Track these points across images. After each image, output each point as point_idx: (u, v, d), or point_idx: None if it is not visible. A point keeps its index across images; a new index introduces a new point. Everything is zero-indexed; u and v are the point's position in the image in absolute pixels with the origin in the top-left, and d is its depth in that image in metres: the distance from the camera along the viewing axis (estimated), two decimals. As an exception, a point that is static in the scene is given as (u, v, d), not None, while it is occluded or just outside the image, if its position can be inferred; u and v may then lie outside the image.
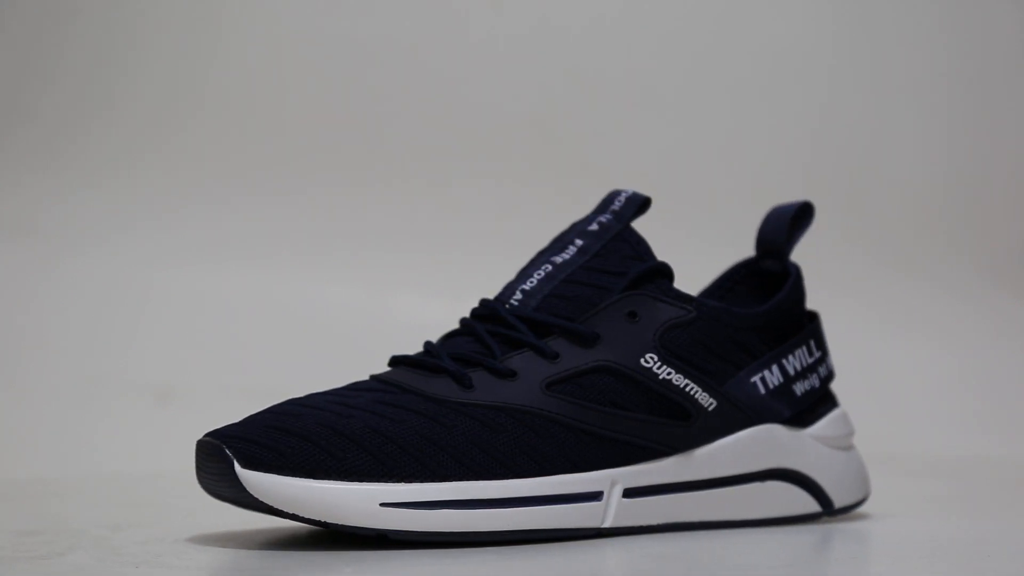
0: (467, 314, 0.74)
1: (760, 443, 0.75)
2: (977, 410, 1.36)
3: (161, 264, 1.45)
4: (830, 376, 0.80)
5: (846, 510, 0.78)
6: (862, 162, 1.53)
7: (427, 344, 0.72)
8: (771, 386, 0.76)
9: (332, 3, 1.54)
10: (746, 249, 1.54)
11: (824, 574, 0.67)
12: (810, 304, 0.80)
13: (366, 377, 0.71)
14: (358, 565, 0.62)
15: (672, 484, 0.72)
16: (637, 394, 0.71)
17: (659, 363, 0.71)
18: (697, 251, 1.51)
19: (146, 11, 1.55)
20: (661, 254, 0.78)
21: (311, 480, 0.64)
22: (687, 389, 0.72)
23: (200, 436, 0.66)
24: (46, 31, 1.54)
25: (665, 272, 0.73)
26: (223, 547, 0.65)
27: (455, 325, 0.74)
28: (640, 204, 0.74)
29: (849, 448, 0.79)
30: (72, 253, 1.46)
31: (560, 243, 0.74)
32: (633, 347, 0.71)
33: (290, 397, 0.69)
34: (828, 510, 0.78)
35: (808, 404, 0.78)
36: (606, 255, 0.72)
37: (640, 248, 0.73)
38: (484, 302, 0.73)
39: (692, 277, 1.40)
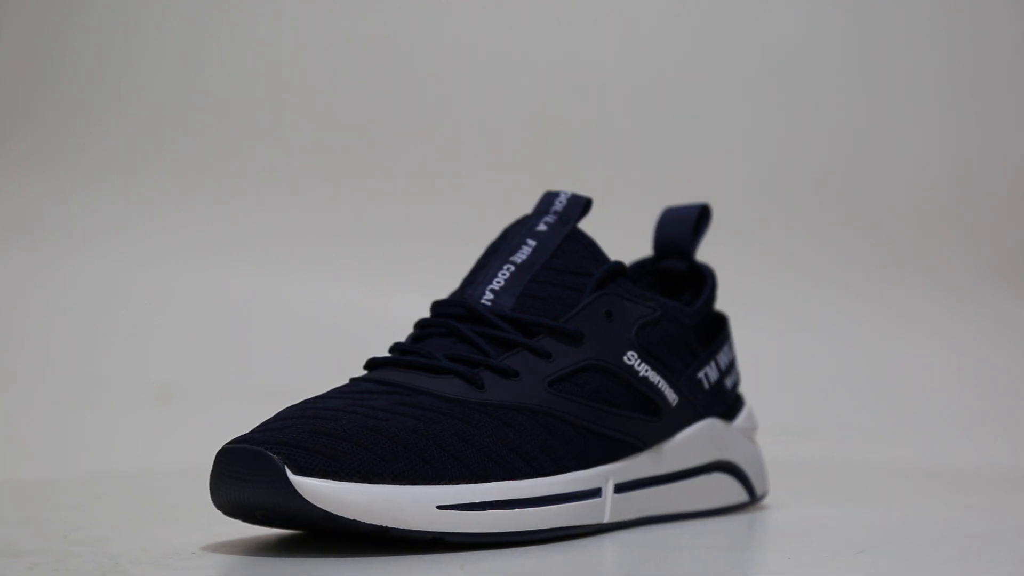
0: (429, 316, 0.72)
1: (706, 437, 0.78)
2: (978, 410, 1.36)
3: (162, 264, 1.45)
4: (739, 376, 0.83)
5: (759, 500, 0.81)
6: (864, 163, 1.53)
7: (400, 346, 0.70)
8: (712, 381, 0.78)
9: (333, 7, 1.54)
10: (748, 249, 1.54)
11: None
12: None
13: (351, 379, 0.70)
14: (475, 566, 0.61)
15: (647, 479, 0.74)
16: (622, 391, 0.72)
17: (639, 360, 0.73)
18: (702, 251, 1.51)
19: (149, 13, 1.55)
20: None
21: (368, 484, 0.62)
22: (659, 385, 0.74)
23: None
24: (49, 33, 1.54)
25: (623, 271, 0.74)
26: (278, 556, 0.62)
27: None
28: (584, 205, 0.74)
29: (754, 442, 0.82)
30: (74, 253, 1.46)
31: (510, 244, 0.73)
32: (615, 345, 0.72)
33: (289, 396, 0.68)
34: (752, 499, 0.81)
35: (733, 399, 0.81)
36: (562, 255, 0.72)
37: (592, 248, 0.73)
38: (447, 303, 0.71)
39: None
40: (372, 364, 0.70)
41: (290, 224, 1.49)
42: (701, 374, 0.77)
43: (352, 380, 0.69)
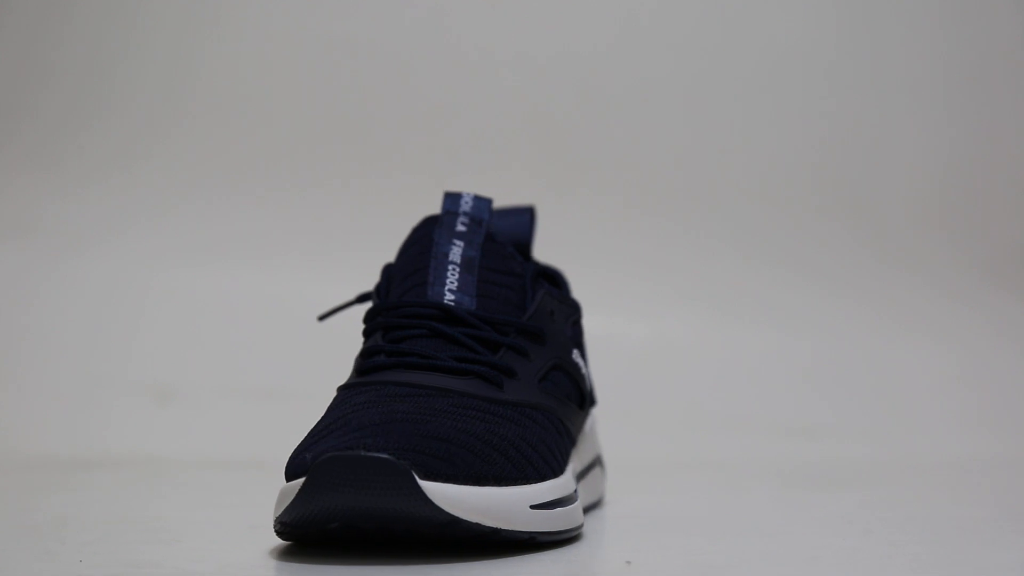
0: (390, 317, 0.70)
1: (592, 432, 0.80)
2: (978, 410, 1.36)
3: (161, 264, 1.45)
4: None
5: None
6: (863, 163, 1.53)
7: (386, 347, 0.68)
8: (589, 378, 0.79)
9: (330, 6, 1.54)
10: (749, 249, 1.53)
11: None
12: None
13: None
14: (638, 559, 0.61)
15: (579, 473, 0.75)
16: (573, 387, 0.73)
17: (579, 356, 0.74)
18: (703, 251, 1.51)
19: (146, 12, 1.55)
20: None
21: (479, 487, 0.61)
22: (589, 382, 0.75)
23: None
24: (45, 31, 1.54)
25: (541, 271, 0.75)
26: (365, 564, 0.60)
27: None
28: (490, 206, 0.74)
29: None
30: (72, 253, 1.46)
31: (439, 245, 0.71)
32: (564, 344, 0.73)
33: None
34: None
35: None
36: (488, 256, 0.72)
37: (508, 248, 0.73)
38: (415, 304, 0.69)
39: (701, 276, 1.40)
40: (369, 368, 0.68)
41: (289, 224, 1.49)
42: (585, 370, 0.78)
43: (342, 389, 0.67)
